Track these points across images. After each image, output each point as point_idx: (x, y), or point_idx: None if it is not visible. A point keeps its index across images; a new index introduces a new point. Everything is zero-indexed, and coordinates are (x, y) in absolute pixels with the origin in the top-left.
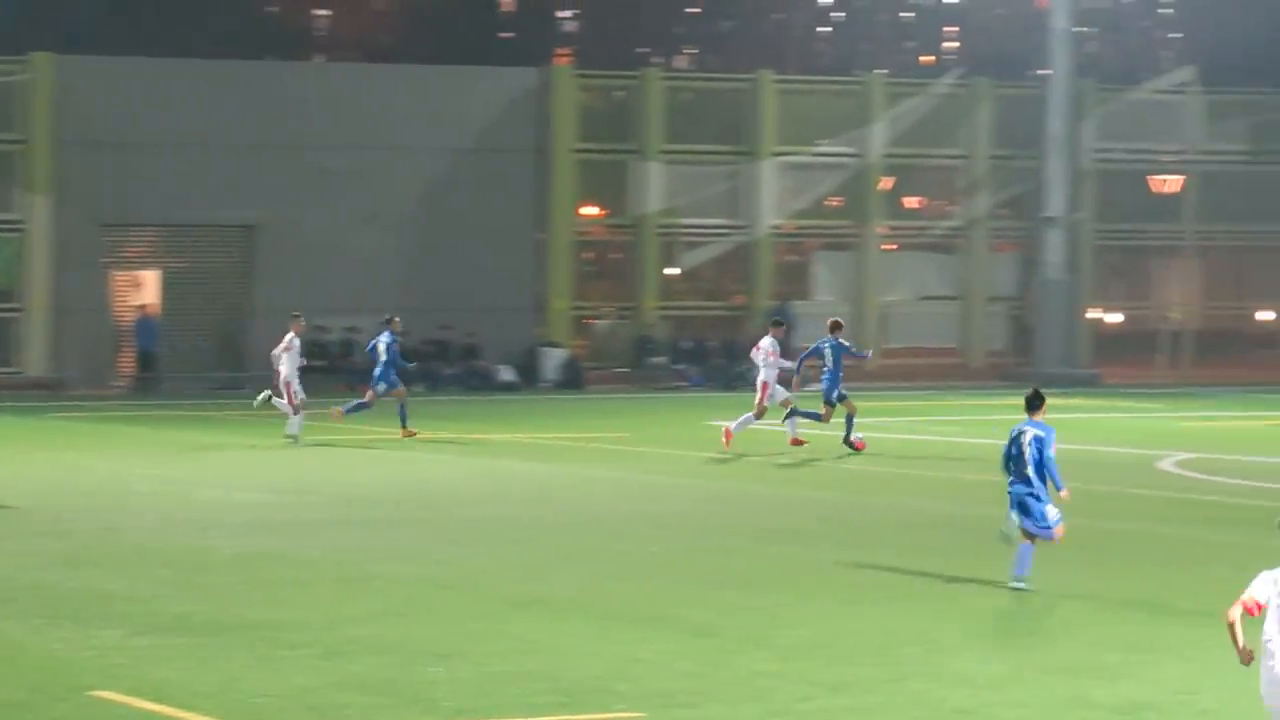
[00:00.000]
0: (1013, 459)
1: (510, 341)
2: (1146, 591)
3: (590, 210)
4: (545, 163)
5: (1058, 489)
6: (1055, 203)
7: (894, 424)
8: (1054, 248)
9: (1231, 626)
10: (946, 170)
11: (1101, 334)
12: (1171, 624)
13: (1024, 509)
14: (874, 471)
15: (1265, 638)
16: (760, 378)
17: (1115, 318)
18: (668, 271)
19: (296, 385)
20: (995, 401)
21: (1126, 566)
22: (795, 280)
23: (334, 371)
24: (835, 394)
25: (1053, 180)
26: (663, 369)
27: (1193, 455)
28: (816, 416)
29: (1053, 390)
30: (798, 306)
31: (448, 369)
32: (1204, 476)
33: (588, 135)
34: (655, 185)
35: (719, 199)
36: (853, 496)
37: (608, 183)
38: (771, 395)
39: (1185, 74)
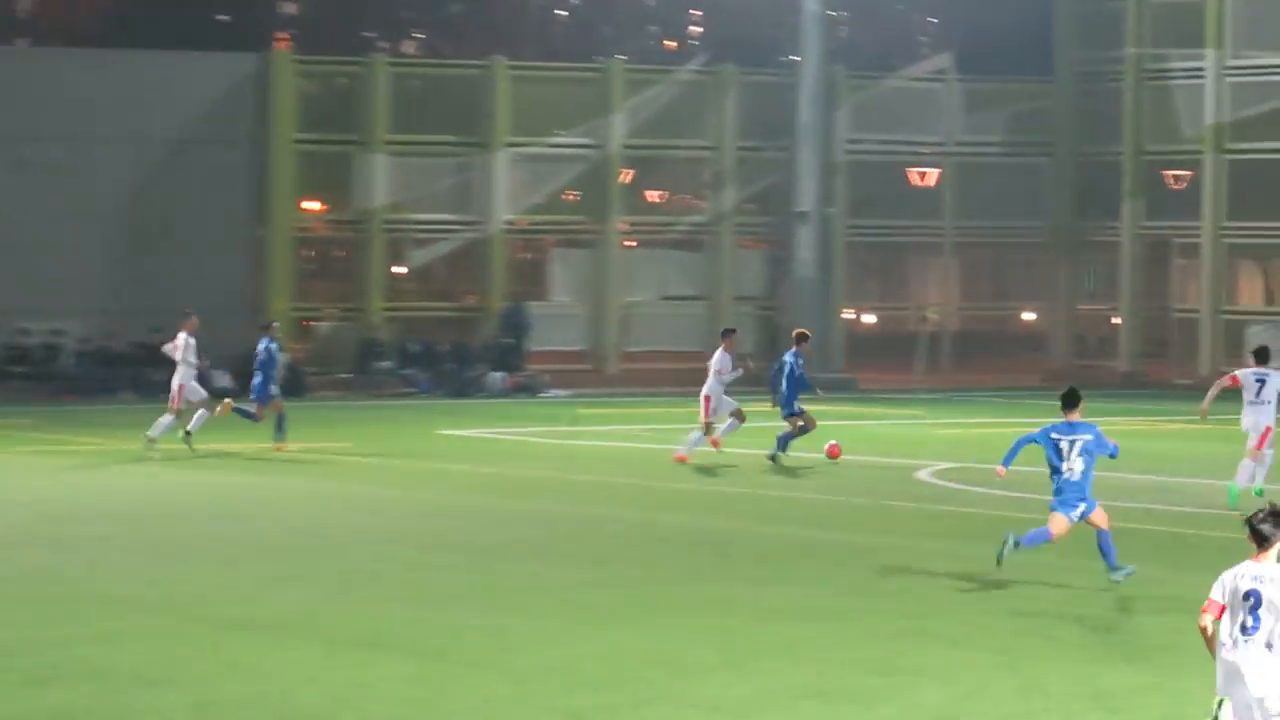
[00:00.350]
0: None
1: (226, 345)
2: (905, 610)
3: (312, 205)
4: (264, 154)
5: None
6: (806, 197)
7: (637, 433)
8: (805, 244)
9: (1204, 633)
10: (691, 162)
11: (856, 336)
12: (931, 645)
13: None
14: (618, 484)
15: (1222, 638)
16: (704, 390)
17: (870, 318)
18: (395, 270)
19: (190, 388)
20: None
21: (884, 584)
22: (531, 280)
23: (37, 378)
24: (793, 407)
25: (803, 173)
26: (389, 374)
27: (952, 465)
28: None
29: (804, 397)
30: (534, 308)
31: (158, 374)
32: (964, 487)
33: (309, 125)
34: (381, 178)
35: (449, 193)
36: (592, 510)
37: (331, 176)
38: (715, 410)
39: (941, 61)
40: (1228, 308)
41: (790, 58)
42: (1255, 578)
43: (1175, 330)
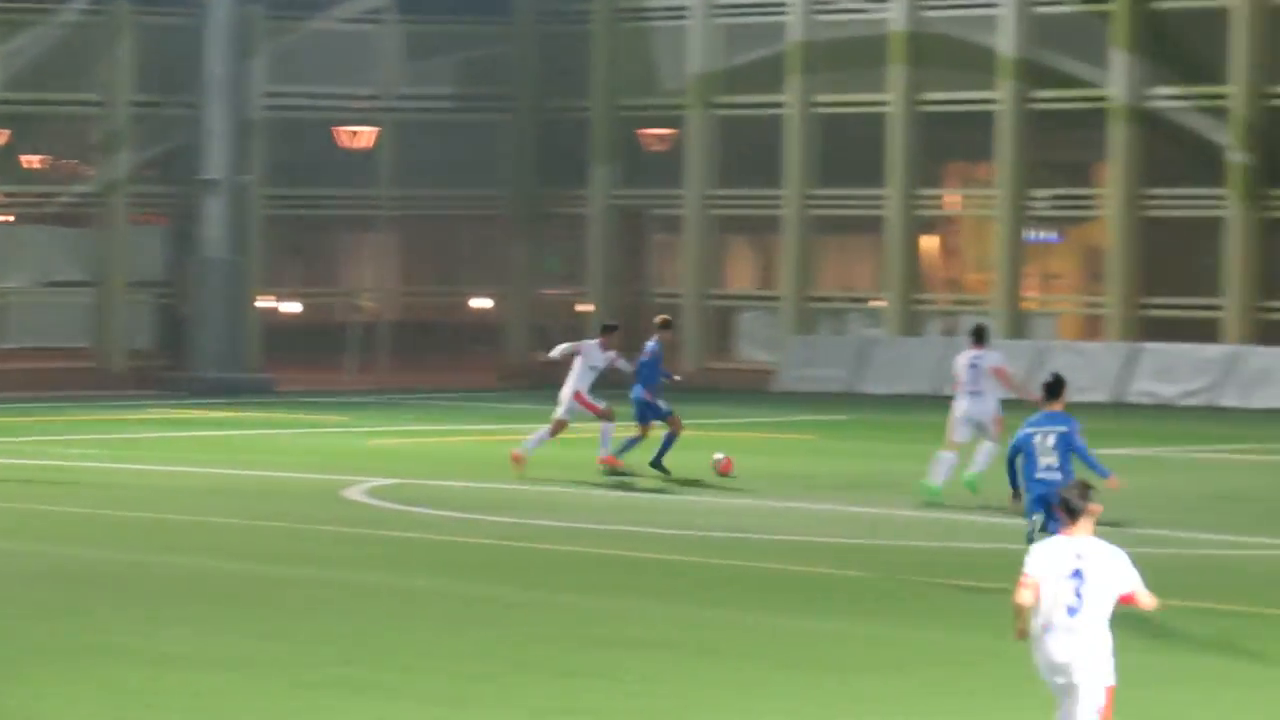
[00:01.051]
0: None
1: None
2: (331, 656)
3: None
4: None
5: (1105, 476)
6: (216, 162)
7: (16, 446)
8: (214, 219)
9: (1019, 609)
10: (77, 121)
11: (275, 328)
12: (359, 697)
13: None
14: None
15: (1041, 618)
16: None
17: (292, 307)
18: None
19: None
20: (140, 415)
21: (305, 625)
22: None
23: None
24: (654, 410)
25: (212, 133)
26: None
27: (388, 481)
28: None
29: (213, 401)
30: None
31: None
32: (403, 508)
33: None
34: None
35: None
36: None
37: None
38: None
39: None
40: (716, 292)
41: None
42: (1077, 554)
43: (653, 318)
